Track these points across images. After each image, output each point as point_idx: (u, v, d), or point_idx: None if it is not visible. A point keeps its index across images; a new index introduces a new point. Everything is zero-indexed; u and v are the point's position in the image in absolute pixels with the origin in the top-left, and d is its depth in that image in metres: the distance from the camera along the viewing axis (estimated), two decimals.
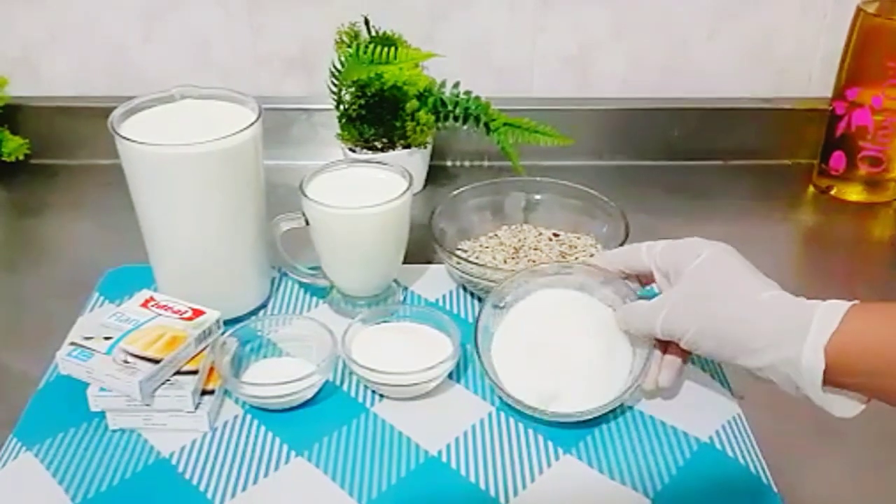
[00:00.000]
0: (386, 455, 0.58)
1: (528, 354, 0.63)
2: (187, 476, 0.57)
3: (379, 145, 0.92)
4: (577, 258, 0.76)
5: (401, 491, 0.56)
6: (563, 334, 0.63)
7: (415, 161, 0.91)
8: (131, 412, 0.59)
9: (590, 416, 0.60)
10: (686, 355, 0.60)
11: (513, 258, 0.76)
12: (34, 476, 0.57)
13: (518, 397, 0.60)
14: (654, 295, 0.60)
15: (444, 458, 0.58)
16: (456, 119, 0.91)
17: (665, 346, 0.60)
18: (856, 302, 0.49)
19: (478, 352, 0.62)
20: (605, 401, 0.60)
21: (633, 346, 0.62)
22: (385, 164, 0.73)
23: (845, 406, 0.50)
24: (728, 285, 0.54)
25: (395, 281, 0.75)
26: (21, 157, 0.97)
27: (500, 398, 0.62)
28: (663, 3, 0.99)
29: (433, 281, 0.77)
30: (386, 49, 0.84)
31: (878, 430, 0.63)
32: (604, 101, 1.02)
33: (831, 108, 0.93)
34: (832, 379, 0.48)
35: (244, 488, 0.56)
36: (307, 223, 0.69)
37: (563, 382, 0.61)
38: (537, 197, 0.82)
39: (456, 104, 0.91)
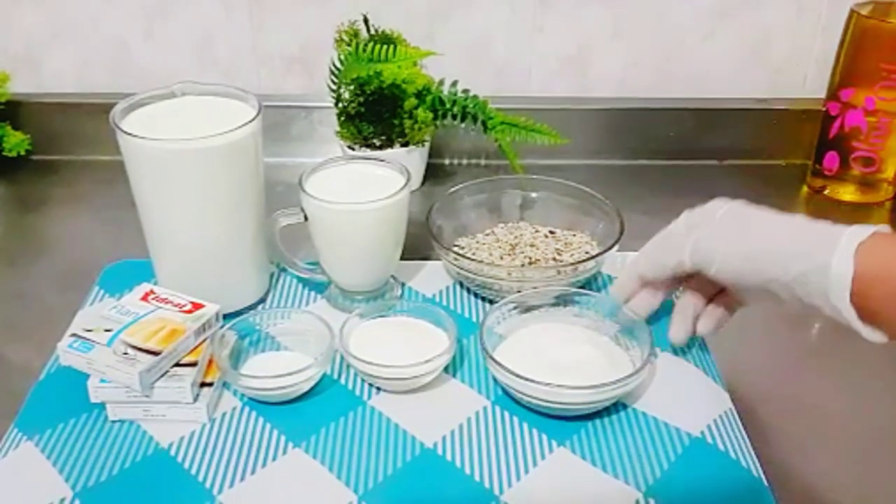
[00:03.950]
0: (382, 447, 0.59)
1: (531, 363, 0.63)
2: (186, 466, 0.57)
3: (377, 143, 0.92)
4: (572, 255, 0.77)
5: (397, 482, 0.57)
6: (566, 349, 0.65)
7: (413, 159, 0.92)
8: (131, 403, 0.60)
9: (595, 398, 0.60)
10: (730, 308, 0.63)
11: (509, 255, 0.77)
12: (35, 465, 0.57)
13: (527, 376, 0.60)
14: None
15: (439, 451, 0.59)
16: (454, 117, 0.92)
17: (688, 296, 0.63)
18: (884, 227, 0.51)
19: (483, 347, 0.63)
20: (612, 378, 0.59)
21: (634, 363, 0.64)
22: (384, 161, 0.74)
23: (875, 332, 0.51)
24: (757, 213, 0.57)
25: (393, 276, 0.76)
26: (22, 153, 0.98)
27: (505, 386, 0.62)
28: (660, 4, 0.99)
29: (430, 277, 0.77)
30: (385, 47, 0.85)
31: (868, 425, 0.64)
32: (601, 100, 1.03)
33: (825, 108, 0.94)
34: (856, 296, 0.49)
35: (242, 478, 0.57)
36: (306, 219, 0.70)
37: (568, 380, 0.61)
38: (534, 195, 0.83)
39: (454, 102, 0.91)
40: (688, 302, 0.64)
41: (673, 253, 0.60)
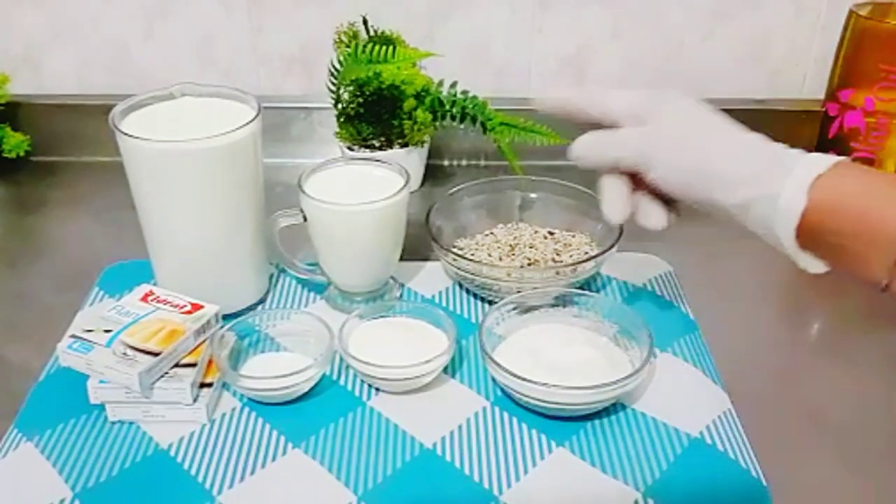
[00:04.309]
0: (382, 447, 0.59)
1: (530, 364, 0.63)
2: (185, 467, 0.58)
3: (377, 144, 0.92)
4: (571, 255, 0.77)
5: (396, 482, 0.57)
6: (565, 350, 0.65)
7: (412, 160, 0.92)
8: (130, 404, 0.60)
9: (594, 399, 0.60)
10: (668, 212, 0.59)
11: (508, 256, 0.77)
12: (34, 466, 0.57)
13: (526, 377, 0.60)
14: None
15: (438, 451, 0.59)
16: (453, 118, 0.92)
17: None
18: (845, 158, 0.48)
19: (483, 348, 0.63)
20: (611, 379, 0.59)
21: (633, 364, 0.64)
22: (383, 162, 0.74)
23: (813, 262, 0.49)
24: (712, 122, 0.53)
25: (393, 277, 0.76)
26: (22, 154, 0.98)
27: (504, 386, 0.63)
28: (659, 5, 1.00)
29: (430, 277, 0.78)
30: (384, 48, 0.85)
31: (867, 424, 0.64)
32: None
33: (824, 109, 0.94)
34: (804, 229, 0.47)
35: (242, 479, 0.57)
36: (305, 220, 0.70)
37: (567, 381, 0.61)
38: (533, 196, 0.83)
39: (453, 103, 0.91)
40: (621, 183, 0.58)
41: (614, 148, 0.56)
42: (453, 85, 0.92)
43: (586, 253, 0.77)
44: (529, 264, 0.76)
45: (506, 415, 0.62)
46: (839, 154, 0.92)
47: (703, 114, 0.54)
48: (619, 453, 0.59)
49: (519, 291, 0.70)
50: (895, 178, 0.48)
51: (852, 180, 0.47)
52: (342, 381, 0.65)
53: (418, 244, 0.78)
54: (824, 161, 0.48)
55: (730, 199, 0.50)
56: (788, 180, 0.48)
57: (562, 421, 0.61)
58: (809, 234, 0.48)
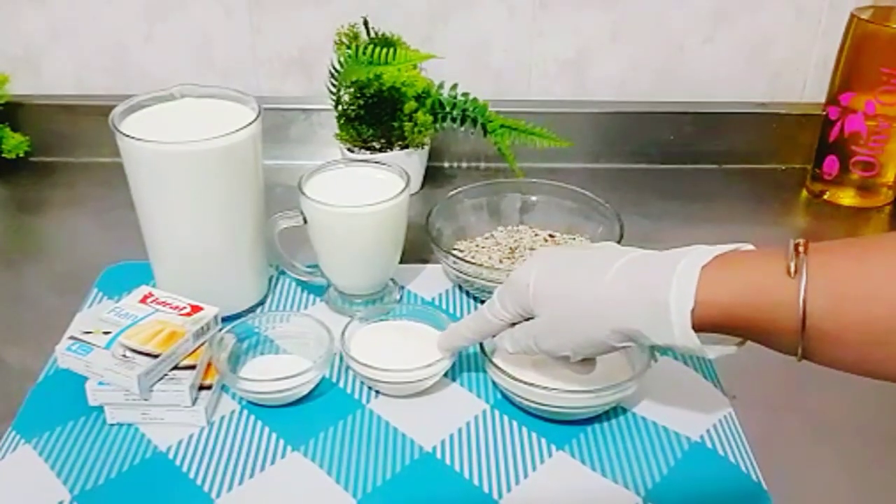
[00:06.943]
0: (381, 450, 0.59)
1: (530, 367, 0.63)
2: (184, 470, 0.57)
3: (377, 146, 0.92)
4: None
5: (395, 486, 0.56)
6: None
7: (412, 162, 0.92)
8: (129, 406, 0.60)
9: (594, 402, 0.60)
10: None
11: (508, 258, 0.77)
12: (33, 468, 0.57)
13: (527, 380, 0.60)
14: None
15: (438, 455, 0.59)
16: (454, 120, 0.92)
17: None
18: (709, 259, 0.48)
19: (483, 351, 0.63)
20: (611, 382, 0.59)
21: (634, 367, 0.63)
22: (383, 164, 0.74)
23: (718, 350, 0.51)
24: (571, 292, 0.53)
25: (392, 280, 0.76)
26: (21, 155, 0.98)
27: (504, 390, 0.62)
28: (660, 9, 0.99)
29: (430, 280, 0.77)
30: (385, 50, 0.85)
31: (868, 429, 0.64)
32: (600, 104, 1.03)
33: (825, 113, 0.94)
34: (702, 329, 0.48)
35: (240, 482, 0.57)
36: (305, 221, 0.70)
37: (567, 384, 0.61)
38: (533, 198, 0.83)
39: (454, 106, 0.91)
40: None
41: (507, 340, 0.58)
42: (454, 87, 0.92)
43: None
44: None
45: (506, 418, 0.62)
46: (840, 158, 0.93)
47: (557, 281, 0.54)
48: (620, 457, 0.59)
49: None
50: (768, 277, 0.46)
51: (727, 294, 0.47)
52: (341, 384, 0.65)
53: (418, 246, 0.78)
54: (692, 291, 0.47)
55: (646, 341, 0.51)
56: (673, 331, 0.48)
57: (562, 424, 0.61)
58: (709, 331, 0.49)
